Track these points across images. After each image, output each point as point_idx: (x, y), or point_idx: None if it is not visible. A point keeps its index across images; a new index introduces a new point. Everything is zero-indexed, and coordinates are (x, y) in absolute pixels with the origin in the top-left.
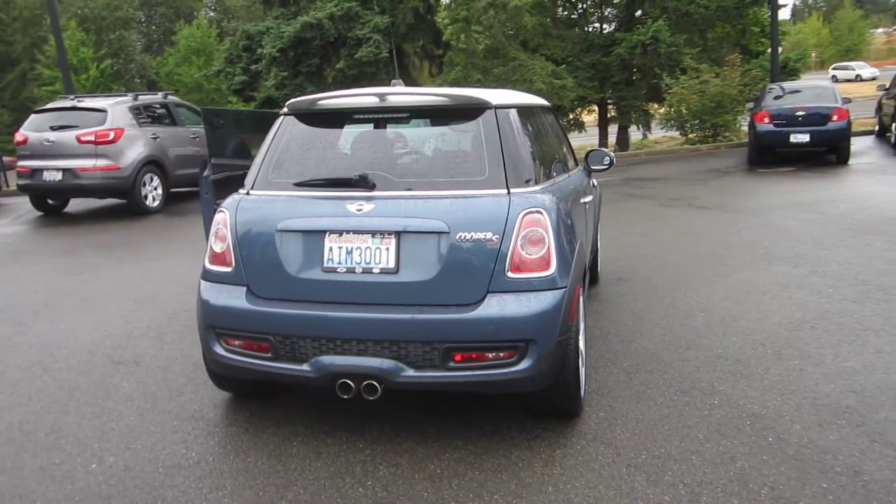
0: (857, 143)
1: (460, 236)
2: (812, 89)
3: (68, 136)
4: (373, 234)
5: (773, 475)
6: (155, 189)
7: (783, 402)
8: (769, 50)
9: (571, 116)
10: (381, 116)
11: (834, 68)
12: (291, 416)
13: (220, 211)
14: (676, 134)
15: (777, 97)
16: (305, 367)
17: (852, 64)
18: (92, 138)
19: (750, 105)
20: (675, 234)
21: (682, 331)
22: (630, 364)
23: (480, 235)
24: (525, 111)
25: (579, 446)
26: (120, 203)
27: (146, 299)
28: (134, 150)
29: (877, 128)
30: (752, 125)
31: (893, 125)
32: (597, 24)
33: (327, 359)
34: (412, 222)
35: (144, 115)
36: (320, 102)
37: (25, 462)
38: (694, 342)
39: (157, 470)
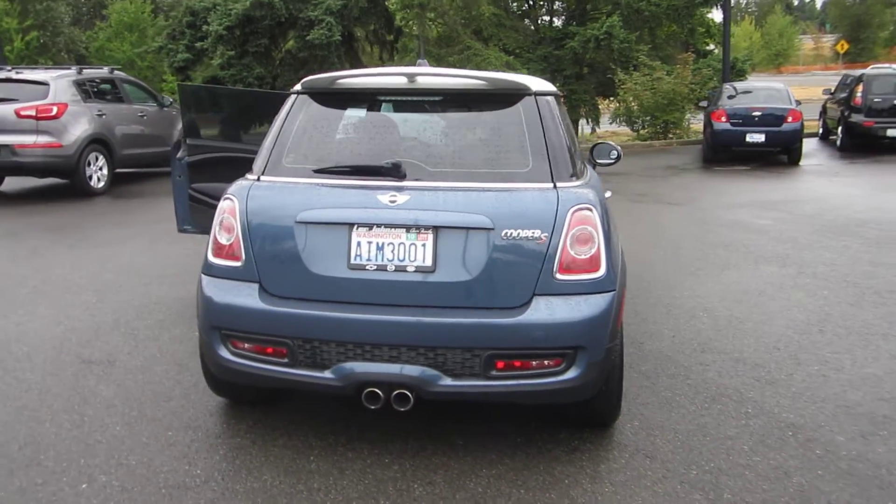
0: (803, 145)
1: (506, 233)
2: (765, 90)
3: (5, 110)
4: (408, 228)
5: (834, 492)
6: (100, 169)
7: (817, 410)
8: (715, 50)
9: None
10: (411, 99)
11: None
12: (300, 425)
13: (227, 198)
14: (624, 130)
15: (731, 97)
16: (328, 374)
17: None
18: (33, 113)
19: (703, 103)
20: (651, 231)
21: (691, 332)
22: (648, 368)
23: (528, 233)
24: (558, 99)
25: (623, 460)
26: (60, 183)
27: (107, 290)
28: (78, 127)
29: (821, 130)
30: (708, 123)
31: (839, 128)
32: (546, 17)
33: (354, 365)
34: (453, 217)
35: (89, 90)
36: (340, 81)
37: (0, 482)
38: (706, 345)
39: (160, 491)
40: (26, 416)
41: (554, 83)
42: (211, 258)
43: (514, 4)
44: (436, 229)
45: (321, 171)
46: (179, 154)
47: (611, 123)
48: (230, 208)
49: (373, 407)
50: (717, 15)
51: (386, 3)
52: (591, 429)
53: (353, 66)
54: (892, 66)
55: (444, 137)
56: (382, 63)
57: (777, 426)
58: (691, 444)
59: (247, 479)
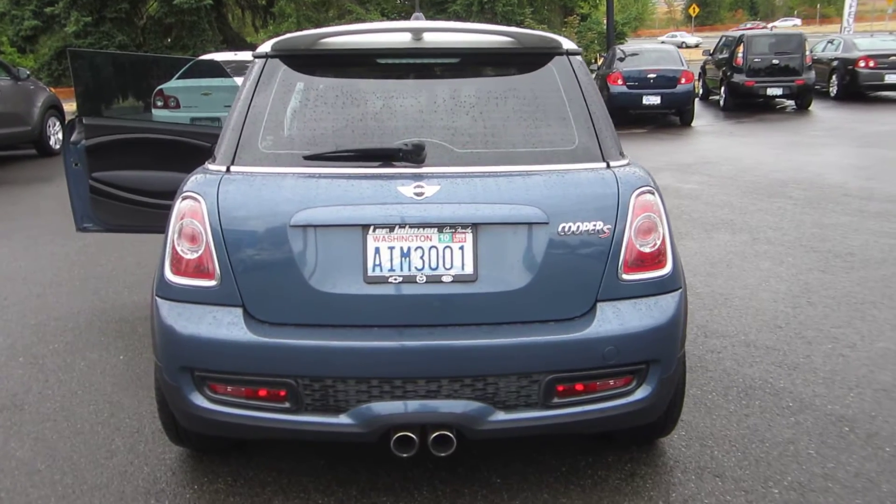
0: None
1: (563, 228)
2: (656, 52)
3: None
4: (440, 227)
5: None
6: None
7: (858, 398)
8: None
9: None
10: (419, 62)
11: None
12: (294, 476)
13: (187, 196)
14: None
15: (621, 59)
16: (345, 419)
17: (678, 33)
18: None
19: (593, 66)
20: None
21: None
22: None
23: (589, 226)
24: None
25: (692, 484)
26: None
27: None
28: None
29: (701, 91)
30: (604, 86)
31: (722, 89)
32: None
33: (380, 406)
34: (497, 210)
35: None
36: (326, 41)
37: None
38: (707, 328)
39: None
40: None
41: None
42: (169, 276)
43: None
44: (475, 227)
45: (315, 158)
46: (74, 137)
47: None
48: (193, 210)
49: (404, 455)
50: None
51: None
52: (638, 445)
53: (222, 33)
54: (770, 27)
55: (469, 110)
56: (256, 30)
57: (830, 422)
58: (754, 455)
59: None
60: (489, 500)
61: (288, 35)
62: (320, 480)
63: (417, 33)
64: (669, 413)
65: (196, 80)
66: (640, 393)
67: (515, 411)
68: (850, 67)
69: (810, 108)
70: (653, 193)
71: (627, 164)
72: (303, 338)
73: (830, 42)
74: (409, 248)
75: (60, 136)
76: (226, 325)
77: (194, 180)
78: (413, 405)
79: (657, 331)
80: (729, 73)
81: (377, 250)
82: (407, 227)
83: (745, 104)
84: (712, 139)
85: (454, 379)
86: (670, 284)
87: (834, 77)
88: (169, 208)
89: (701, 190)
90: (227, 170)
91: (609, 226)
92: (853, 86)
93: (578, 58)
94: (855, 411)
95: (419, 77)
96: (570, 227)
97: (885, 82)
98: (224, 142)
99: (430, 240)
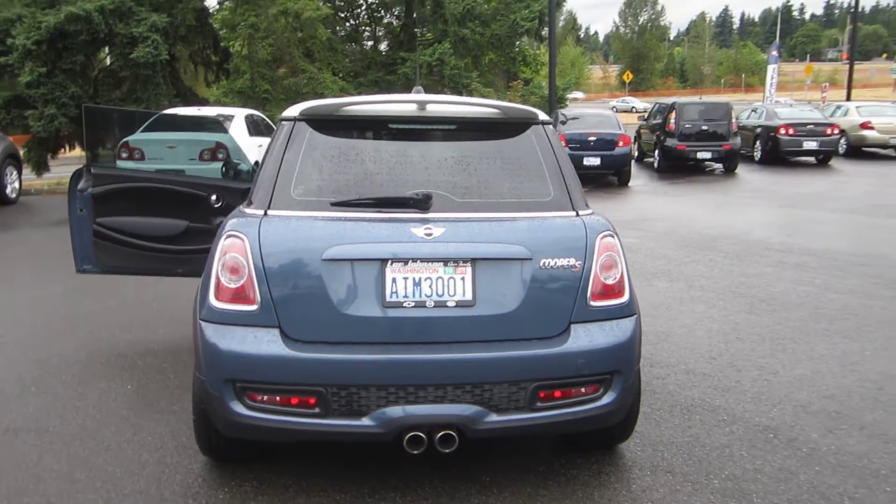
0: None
1: (544, 263)
2: (595, 116)
3: None
4: (445, 262)
5: (839, 484)
6: None
7: (780, 412)
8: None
9: None
10: (423, 127)
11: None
12: (312, 479)
13: (231, 235)
14: None
15: (563, 122)
16: (366, 421)
17: (628, 98)
18: None
19: None
20: None
21: None
22: None
23: (564, 261)
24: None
25: (649, 478)
26: None
27: None
28: None
29: (636, 153)
30: None
31: (656, 152)
32: (369, 42)
33: (397, 410)
34: (491, 248)
35: None
36: (347, 109)
37: None
38: (651, 359)
39: None
40: None
41: None
42: (213, 302)
43: (339, 29)
44: (474, 262)
45: (340, 204)
46: (81, 185)
47: None
48: (237, 247)
49: (415, 452)
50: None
51: (212, 23)
52: (599, 450)
53: (175, 87)
54: (700, 97)
55: (465, 167)
56: (208, 85)
57: (758, 430)
58: (697, 456)
59: None
60: (482, 494)
61: (314, 103)
62: (335, 481)
63: (422, 104)
64: (628, 420)
65: (161, 134)
66: (607, 398)
67: (506, 413)
68: (773, 134)
69: (736, 170)
70: (613, 236)
71: (592, 213)
72: (331, 352)
73: (754, 111)
74: (420, 279)
75: (17, 185)
76: (266, 343)
77: (236, 222)
78: (423, 408)
79: (619, 347)
80: (662, 138)
81: (394, 280)
82: (418, 261)
83: (677, 166)
84: (648, 198)
85: (457, 386)
86: (627, 311)
87: (758, 143)
88: (165, 252)
89: (640, 243)
90: (265, 213)
91: (580, 262)
92: (775, 151)
93: (550, 126)
94: (778, 423)
95: (423, 139)
96: (548, 262)
97: (804, 148)
98: (260, 189)
99: (437, 272)
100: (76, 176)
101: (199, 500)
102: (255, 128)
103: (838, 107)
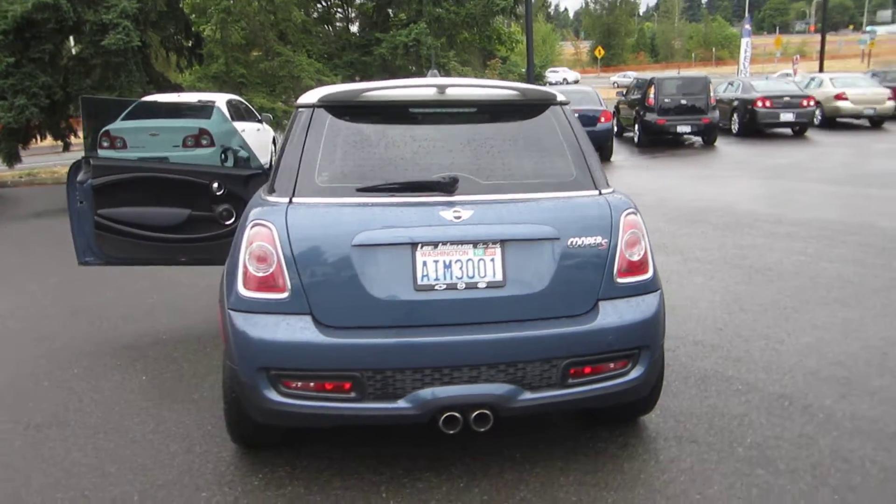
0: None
1: (571, 242)
2: (577, 93)
3: None
4: (475, 244)
5: (859, 448)
6: None
7: (792, 380)
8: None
9: None
10: (443, 111)
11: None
12: (343, 462)
13: (258, 224)
14: None
15: None
16: (402, 403)
17: (629, 73)
18: None
19: None
20: None
21: None
22: None
23: (591, 240)
24: None
25: (675, 448)
26: None
27: None
28: None
29: (616, 129)
30: None
31: (636, 126)
32: (341, 24)
33: (432, 391)
34: (520, 229)
35: None
36: (367, 94)
37: None
38: None
39: None
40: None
41: None
42: (242, 292)
43: (312, 11)
44: (503, 243)
45: (367, 190)
46: (81, 176)
47: None
48: (264, 235)
49: (451, 432)
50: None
51: (182, 7)
52: (625, 423)
53: (148, 74)
54: (678, 71)
55: (488, 149)
56: (181, 71)
57: (773, 399)
58: (718, 425)
59: None
60: (514, 470)
61: (331, 89)
62: (368, 463)
63: (441, 88)
64: (653, 393)
65: (142, 121)
66: (635, 373)
67: (539, 391)
68: (750, 107)
69: (715, 143)
70: (636, 214)
71: (613, 192)
72: (366, 337)
73: (731, 84)
74: (450, 261)
75: None
76: (299, 330)
77: (261, 210)
78: (458, 389)
79: (646, 323)
80: (642, 112)
81: (424, 263)
82: (448, 244)
83: (656, 140)
84: (632, 172)
85: (491, 366)
86: (652, 286)
87: (735, 116)
88: (168, 241)
89: None
90: (290, 201)
91: (605, 240)
92: (752, 124)
93: (568, 107)
94: (791, 390)
95: (444, 123)
96: (576, 241)
97: (781, 120)
98: (283, 177)
99: (467, 254)
100: (75, 167)
101: (235, 487)
102: (237, 113)
103: (812, 78)
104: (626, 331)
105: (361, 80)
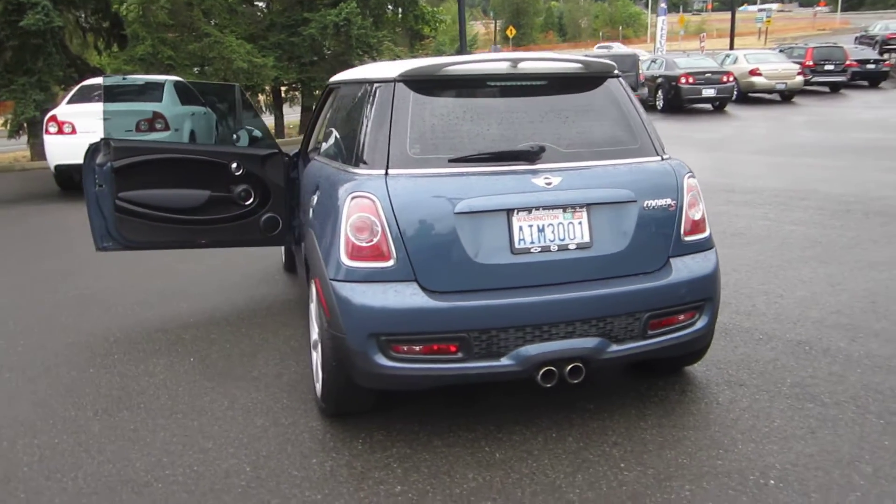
0: None
1: (647, 204)
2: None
3: None
4: (564, 208)
5: (885, 381)
6: None
7: (803, 328)
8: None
9: (262, 98)
10: (518, 84)
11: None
12: (433, 423)
13: (359, 196)
14: None
15: None
16: (505, 360)
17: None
18: None
19: None
20: None
21: None
22: None
23: (662, 202)
24: None
25: (728, 390)
26: None
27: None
28: None
29: None
30: None
31: None
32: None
33: (532, 348)
34: (603, 193)
35: None
36: (448, 69)
37: None
38: None
39: None
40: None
41: (290, 71)
42: (346, 262)
43: None
44: (588, 207)
45: (459, 160)
46: (100, 159)
47: None
48: (366, 206)
49: (548, 385)
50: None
51: None
52: (673, 372)
53: (66, 56)
54: (610, 48)
55: (563, 119)
56: (99, 53)
57: (793, 345)
58: (757, 369)
59: (457, 483)
60: (596, 419)
61: (411, 64)
62: (458, 422)
63: (514, 62)
64: (710, 341)
65: (92, 105)
66: (700, 324)
67: (623, 343)
68: (674, 84)
69: None
70: (693, 177)
71: (671, 158)
72: (471, 300)
73: (654, 61)
74: (543, 225)
75: None
76: (409, 296)
77: (358, 182)
78: (556, 344)
79: (709, 277)
80: None
81: (520, 228)
82: (541, 209)
83: None
84: None
85: (584, 321)
86: (709, 244)
87: (660, 92)
88: (190, 223)
89: None
90: (386, 173)
91: (674, 201)
92: (676, 100)
93: (622, 79)
94: (806, 337)
95: (519, 95)
96: (650, 203)
97: (703, 96)
98: (374, 151)
99: (558, 218)
100: (92, 150)
101: (341, 452)
102: (185, 96)
103: (727, 55)
104: (696, 284)
105: (290, 62)
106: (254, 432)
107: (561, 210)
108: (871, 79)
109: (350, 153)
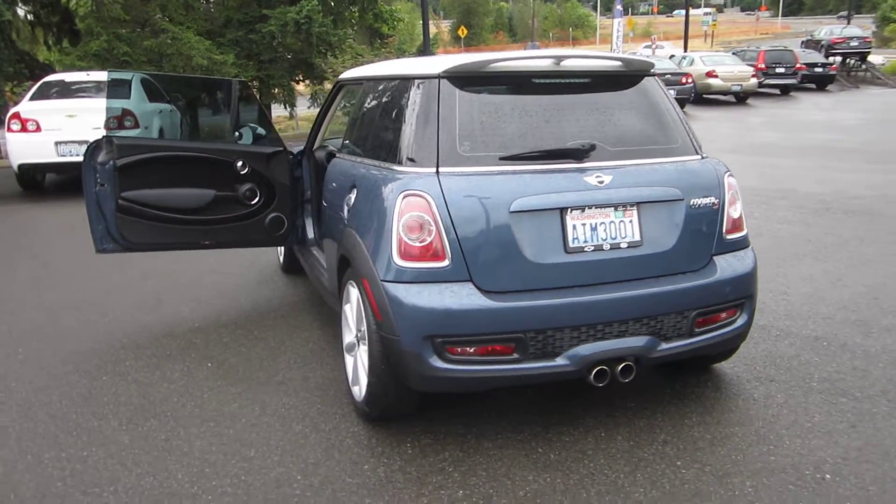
0: None
1: (693, 202)
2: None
3: None
4: (615, 206)
5: None
6: None
7: (815, 325)
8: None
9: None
10: (562, 81)
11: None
12: (480, 425)
13: (411, 194)
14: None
15: None
16: (560, 360)
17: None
18: None
19: None
20: None
21: None
22: None
23: (707, 200)
24: None
25: (761, 386)
26: None
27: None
28: None
29: None
30: None
31: None
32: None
33: (587, 347)
34: (653, 191)
35: None
36: (493, 65)
37: None
38: None
39: None
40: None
41: (248, 69)
42: (399, 262)
43: None
44: (639, 205)
45: (510, 158)
46: (102, 157)
47: (309, 108)
48: (419, 205)
49: (601, 384)
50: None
51: None
52: (700, 370)
53: (15, 52)
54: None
55: (609, 117)
56: (49, 49)
57: (810, 340)
58: (783, 365)
59: (518, 486)
60: (641, 417)
61: (458, 61)
62: (503, 425)
63: (557, 59)
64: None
65: (57, 101)
66: (740, 321)
67: (672, 341)
68: None
69: None
70: (732, 176)
71: (709, 157)
72: (526, 300)
73: None
74: (595, 224)
75: None
76: (466, 297)
77: (408, 180)
78: (609, 344)
79: (750, 275)
80: None
81: (574, 227)
82: (594, 207)
83: None
84: None
85: (636, 320)
86: (746, 242)
87: None
88: (195, 223)
89: None
90: (437, 171)
91: (717, 199)
92: None
93: (658, 77)
94: (821, 333)
95: (563, 93)
96: (696, 201)
97: None
98: (423, 148)
99: (609, 216)
100: (93, 148)
101: (392, 457)
102: (152, 92)
103: (684, 57)
104: (738, 282)
105: (248, 60)
106: (294, 439)
107: (612, 209)
108: (818, 82)
109: (392, 151)
